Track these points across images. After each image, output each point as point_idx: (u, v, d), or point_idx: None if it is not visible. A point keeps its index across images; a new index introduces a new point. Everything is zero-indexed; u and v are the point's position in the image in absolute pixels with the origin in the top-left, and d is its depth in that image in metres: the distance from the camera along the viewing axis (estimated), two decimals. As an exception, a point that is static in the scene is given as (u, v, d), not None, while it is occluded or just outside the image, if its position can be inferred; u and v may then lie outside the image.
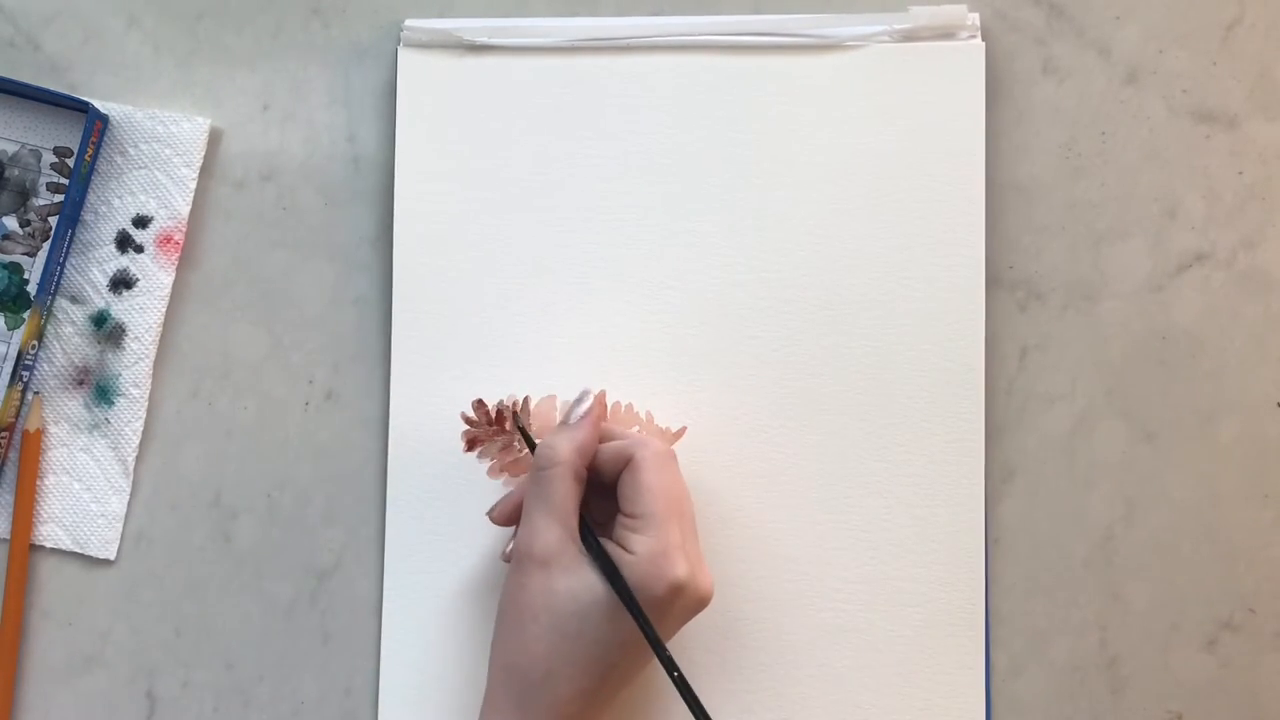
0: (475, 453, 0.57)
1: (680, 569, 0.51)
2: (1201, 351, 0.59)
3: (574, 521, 0.52)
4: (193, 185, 0.61)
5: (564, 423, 0.55)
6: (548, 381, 0.59)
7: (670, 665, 0.50)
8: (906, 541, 0.58)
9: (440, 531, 0.59)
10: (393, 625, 0.59)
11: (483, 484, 0.58)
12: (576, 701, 0.51)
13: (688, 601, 0.51)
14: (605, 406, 0.56)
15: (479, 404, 0.56)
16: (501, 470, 0.57)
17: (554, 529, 0.52)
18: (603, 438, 0.55)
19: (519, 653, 0.52)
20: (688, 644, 0.58)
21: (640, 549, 0.51)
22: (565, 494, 0.52)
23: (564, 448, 0.53)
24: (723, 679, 0.58)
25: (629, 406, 0.58)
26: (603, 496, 0.54)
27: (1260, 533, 0.59)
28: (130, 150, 0.61)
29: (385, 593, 0.59)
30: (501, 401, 0.56)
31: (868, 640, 0.58)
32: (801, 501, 0.59)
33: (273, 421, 0.60)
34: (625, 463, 0.53)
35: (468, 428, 0.57)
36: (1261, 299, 0.59)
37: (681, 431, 0.58)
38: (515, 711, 0.51)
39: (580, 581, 0.51)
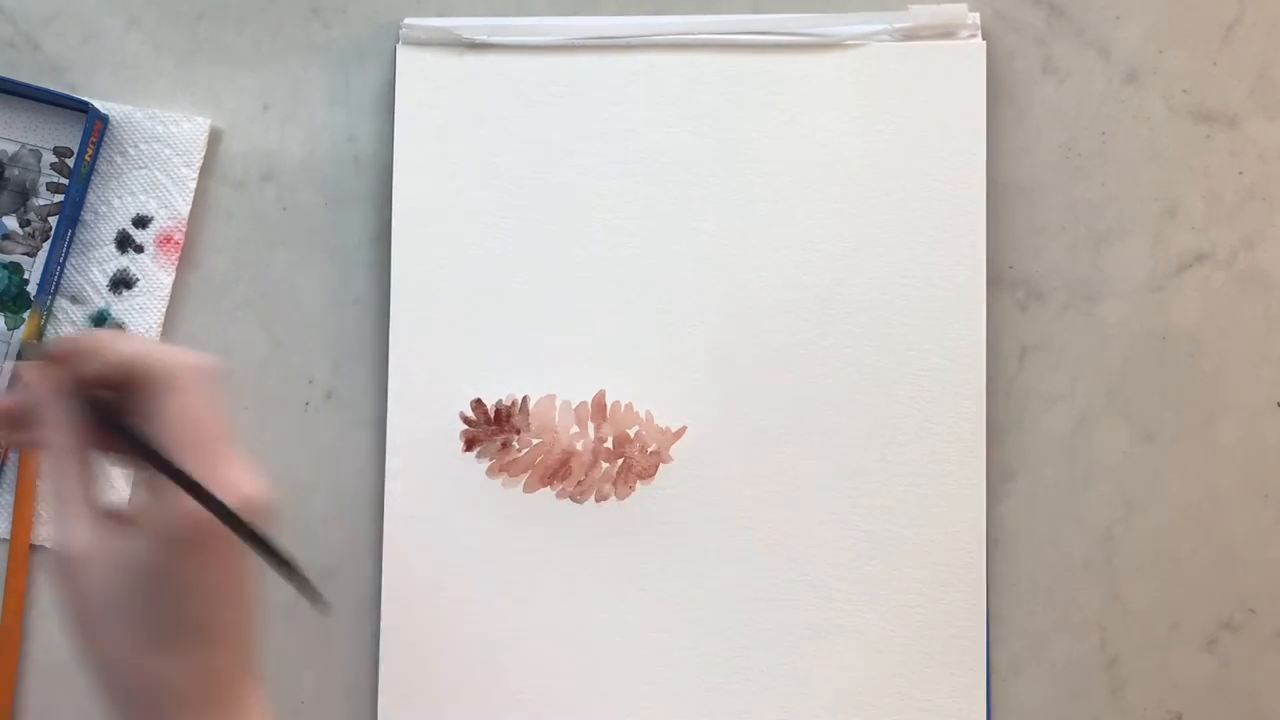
0: (474, 452, 0.57)
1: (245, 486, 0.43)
2: (1201, 351, 0.59)
3: (93, 505, 0.44)
4: (193, 185, 0.61)
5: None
6: (548, 381, 0.59)
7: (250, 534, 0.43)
8: (906, 541, 0.58)
9: (439, 531, 0.59)
10: (391, 625, 0.59)
11: (482, 484, 0.58)
12: (203, 682, 0.44)
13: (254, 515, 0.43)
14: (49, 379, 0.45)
15: (478, 404, 0.56)
16: (501, 470, 0.57)
17: (79, 523, 0.44)
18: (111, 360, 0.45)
19: (110, 673, 0.44)
20: (687, 642, 0.58)
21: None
22: (73, 480, 0.44)
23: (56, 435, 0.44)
24: (723, 679, 0.58)
25: (628, 406, 0.58)
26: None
27: (1260, 533, 0.59)
28: (130, 150, 0.61)
29: (384, 592, 0.59)
30: (500, 401, 0.56)
31: (868, 640, 0.58)
32: (801, 501, 0.59)
33: (273, 421, 0.60)
34: (145, 384, 0.44)
35: (466, 427, 0.57)
36: (1261, 299, 0.59)
37: (681, 431, 0.58)
38: None
39: (120, 556, 0.43)
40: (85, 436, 0.45)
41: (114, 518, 0.44)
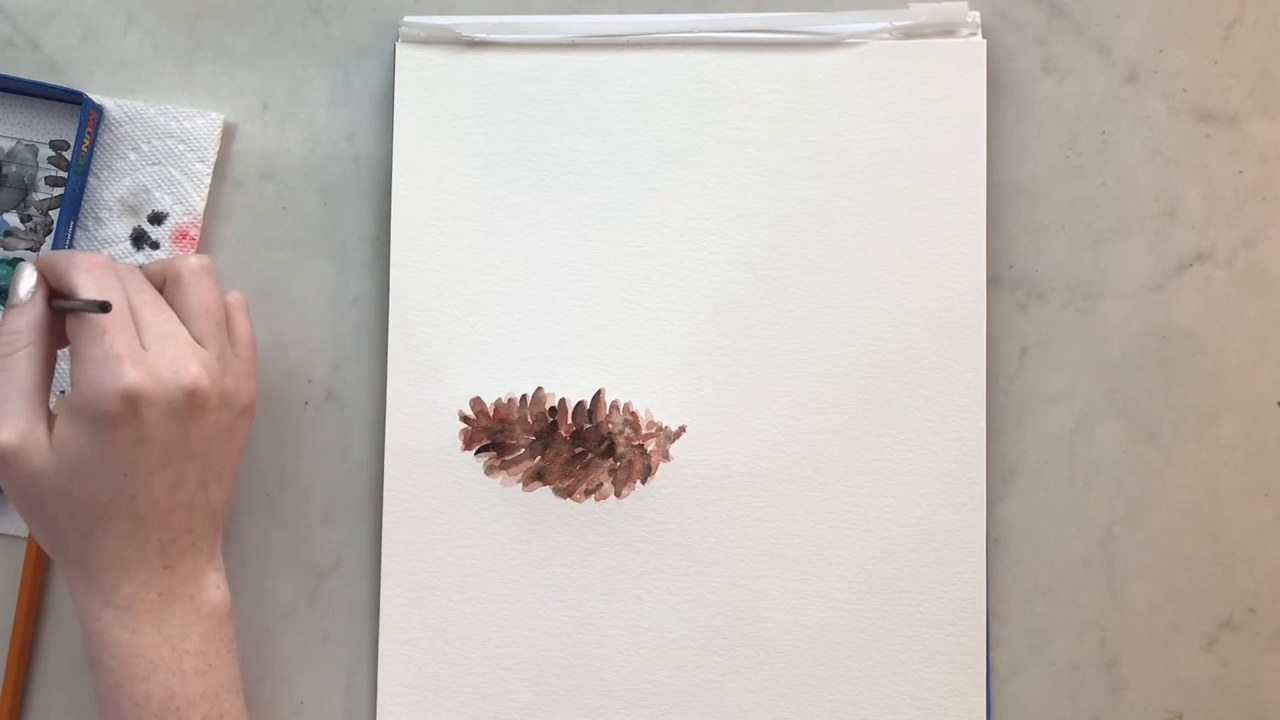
0: (473, 451, 0.57)
1: (130, 376, 0.48)
2: (1201, 351, 0.59)
3: (43, 396, 0.50)
4: (207, 180, 0.61)
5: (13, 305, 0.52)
6: (547, 381, 0.59)
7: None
8: (906, 541, 0.58)
9: (438, 530, 0.59)
10: (390, 625, 0.59)
11: (481, 483, 0.58)
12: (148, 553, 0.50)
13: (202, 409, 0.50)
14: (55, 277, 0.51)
15: (477, 403, 0.56)
16: (500, 469, 0.57)
17: (21, 414, 0.49)
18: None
19: (56, 546, 0.50)
20: (687, 642, 0.58)
21: (94, 351, 0.48)
22: (29, 372, 0.50)
23: (23, 324, 0.50)
24: (723, 679, 0.58)
25: (628, 405, 0.58)
26: None
27: (1260, 533, 0.59)
28: (144, 146, 0.61)
29: (382, 592, 0.59)
30: (499, 400, 0.56)
31: (868, 640, 0.58)
32: (801, 501, 0.59)
33: (272, 421, 0.60)
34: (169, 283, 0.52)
35: (466, 426, 0.57)
36: (1262, 298, 0.59)
37: (681, 431, 0.58)
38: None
39: (55, 443, 0.49)
40: (47, 331, 0.50)
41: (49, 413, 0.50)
